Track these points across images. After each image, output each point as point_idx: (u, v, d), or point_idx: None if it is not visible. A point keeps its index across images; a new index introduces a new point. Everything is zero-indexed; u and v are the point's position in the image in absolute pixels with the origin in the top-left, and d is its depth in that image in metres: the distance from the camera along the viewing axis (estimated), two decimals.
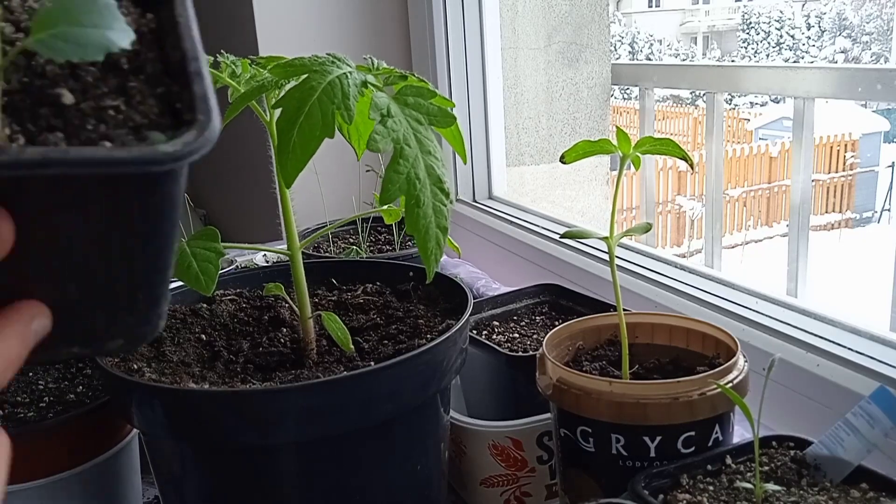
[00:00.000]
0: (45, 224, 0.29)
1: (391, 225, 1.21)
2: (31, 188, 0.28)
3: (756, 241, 6.60)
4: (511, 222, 1.26)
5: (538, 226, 1.22)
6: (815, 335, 0.78)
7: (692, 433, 0.56)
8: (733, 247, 6.36)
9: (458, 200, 1.39)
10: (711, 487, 0.53)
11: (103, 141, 0.29)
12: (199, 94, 0.30)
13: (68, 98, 0.29)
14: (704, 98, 1.65)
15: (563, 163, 0.59)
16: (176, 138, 0.28)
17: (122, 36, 0.29)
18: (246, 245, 0.76)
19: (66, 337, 0.33)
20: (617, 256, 0.66)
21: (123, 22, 0.30)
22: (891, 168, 7.82)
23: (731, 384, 0.56)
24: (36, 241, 0.29)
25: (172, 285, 0.66)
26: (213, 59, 0.67)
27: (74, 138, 0.29)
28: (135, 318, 0.34)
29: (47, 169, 0.26)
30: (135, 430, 0.72)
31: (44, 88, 0.29)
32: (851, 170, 7.16)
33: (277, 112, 0.54)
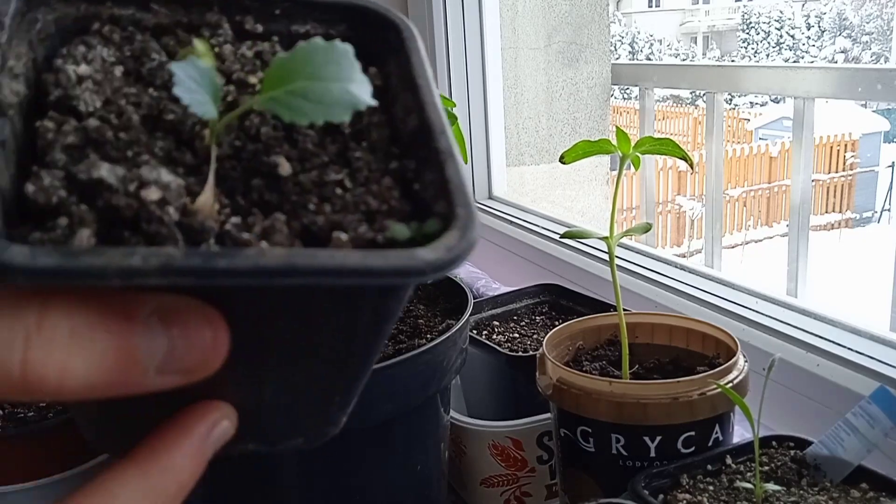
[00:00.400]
0: (258, 329, 0.24)
1: None
2: (240, 295, 0.23)
3: (756, 241, 6.61)
4: (511, 222, 1.26)
5: (538, 226, 1.22)
6: (816, 335, 0.78)
7: (692, 433, 0.56)
8: (733, 247, 6.36)
9: None
10: (711, 487, 0.53)
11: (335, 231, 0.24)
12: (454, 181, 0.24)
13: (285, 168, 0.25)
14: (704, 98, 1.65)
15: (563, 163, 0.59)
16: (434, 241, 0.23)
17: (365, 89, 0.24)
18: None
19: (243, 436, 0.28)
20: (617, 256, 0.66)
21: (360, 70, 0.25)
22: (891, 168, 7.82)
23: (731, 384, 0.56)
24: (243, 347, 0.24)
25: None
26: None
27: (295, 220, 0.24)
28: (322, 419, 0.30)
29: (290, 279, 0.21)
30: None
31: (258, 155, 0.25)
32: (851, 170, 7.16)
33: None
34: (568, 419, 0.59)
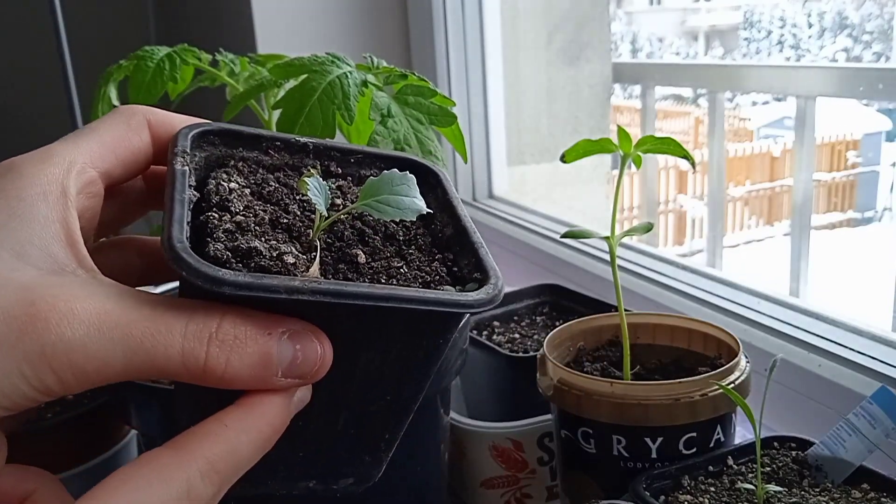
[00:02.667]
0: (348, 351, 0.32)
1: None
2: (346, 321, 0.31)
3: (758, 241, 6.60)
4: (512, 222, 1.26)
5: (539, 226, 1.22)
6: (817, 335, 0.78)
7: (694, 434, 0.56)
8: (735, 246, 6.35)
9: None
10: (713, 488, 0.53)
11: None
12: (486, 261, 0.35)
13: (362, 258, 0.35)
14: (707, 97, 1.64)
15: (564, 162, 0.59)
16: (477, 290, 0.33)
17: (422, 202, 0.35)
18: None
19: (307, 470, 0.36)
20: (618, 256, 0.66)
21: (419, 192, 0.35)
22: (893, 167, 7.81)
23: (732, 385, 0.56)
24: (336, 367, 0.32)
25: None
26: (211, 57, 0.67)
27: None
28: (371, 458, 0.37)
29: (390, 303, 0.30)
30: (133, 431, 0.72)
31: (343, 249, 0.35)
32: (853, 169, 7.15)
33: (277, 113, 0.53)
34: (569, 420, 0.59)
